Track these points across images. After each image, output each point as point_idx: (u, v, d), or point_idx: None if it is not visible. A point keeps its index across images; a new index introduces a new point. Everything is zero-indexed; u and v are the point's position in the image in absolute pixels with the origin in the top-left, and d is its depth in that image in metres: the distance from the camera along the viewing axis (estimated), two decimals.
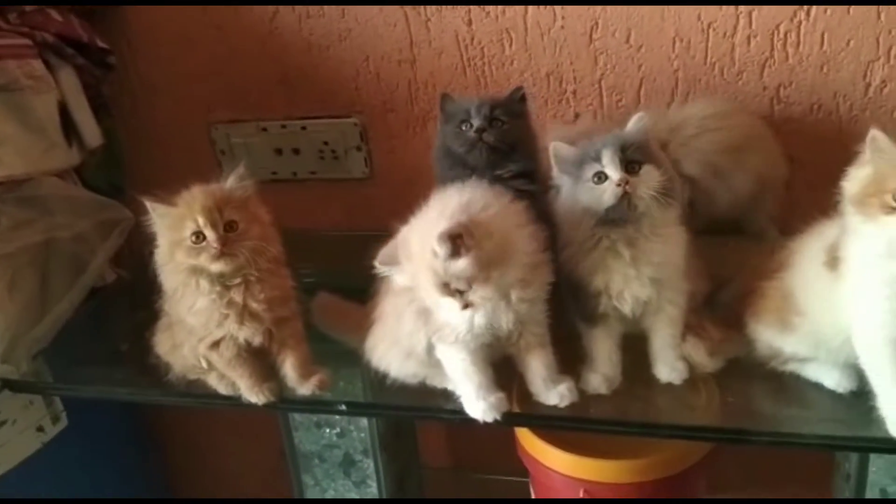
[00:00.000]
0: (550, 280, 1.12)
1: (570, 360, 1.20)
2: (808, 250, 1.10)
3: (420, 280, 1.05)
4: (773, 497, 1.74)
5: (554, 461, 1.44)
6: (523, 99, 1.28)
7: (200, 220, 1.13)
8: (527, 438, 1.49)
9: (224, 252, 1.14)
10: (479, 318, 1.08)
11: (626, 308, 1.15)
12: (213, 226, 1.13)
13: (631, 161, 1.09)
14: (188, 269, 1.15)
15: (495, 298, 1.06)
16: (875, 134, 0.98)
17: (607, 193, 1.08)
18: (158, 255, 1.18)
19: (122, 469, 1.90)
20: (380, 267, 1.08)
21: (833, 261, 1.05)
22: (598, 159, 1.09)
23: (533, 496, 1.57)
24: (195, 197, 1.16)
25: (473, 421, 1.14)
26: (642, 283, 1.13)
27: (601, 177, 1.09)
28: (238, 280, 1.17)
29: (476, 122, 1.22)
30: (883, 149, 0.98)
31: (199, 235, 1.13)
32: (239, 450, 2.11)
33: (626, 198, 1.08)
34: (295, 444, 1.52)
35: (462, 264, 1.00)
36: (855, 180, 1.02)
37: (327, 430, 1.48)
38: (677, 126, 1.33)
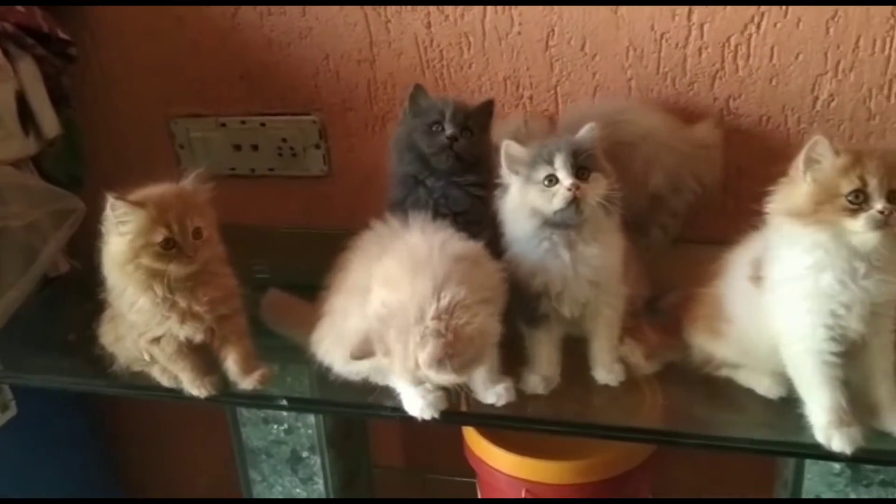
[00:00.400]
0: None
1: (516, 361, 1.22)
2: (737, 262, 1.13)
3: (393, 367, 1.06)
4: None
5: (498, 461, 1.45)
6: (492, 112, 1.31)
7: (175, 228, 1.13)
8: (473, 439, 1.50)
9: (194, 259, 1.15)
10: None
11: (565, 309, 1.17)
12: (185, 234, 1.14)
13: (581, 167, 1.12)
14: (146, 272, 1.15)
15: None
16: (818, 139, 1.01)
17: (558, 197, 1.11)
18: (111, 252, 1.16)
19: (72, 460, 1.89)
20: (354, 358, 1.08)
21: (757, 277, 1.07)
22: (550, 162, 1.12)
23: (479, 496, 1.58)
24: (167, 202, 1.15)
25: (414, 419, 1.14)
26: (580, 285, 1.15)
27: (552, 180, 1.12)
28: (189, 283, 1.17)
29: (449, 129, 1.25)
30: (825, 155, 1.01)
31: (169, 242, 1.13)
32: (190, 444, 2.10)
33: (574, 202, 1.10)
34: (242, 440, 1.53)
35: (447, 376, 1.03)
36: (794, 196, 1.03)
37: (275, 427, 1.49)
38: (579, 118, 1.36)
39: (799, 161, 1.02)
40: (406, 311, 1.03)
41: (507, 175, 1.17)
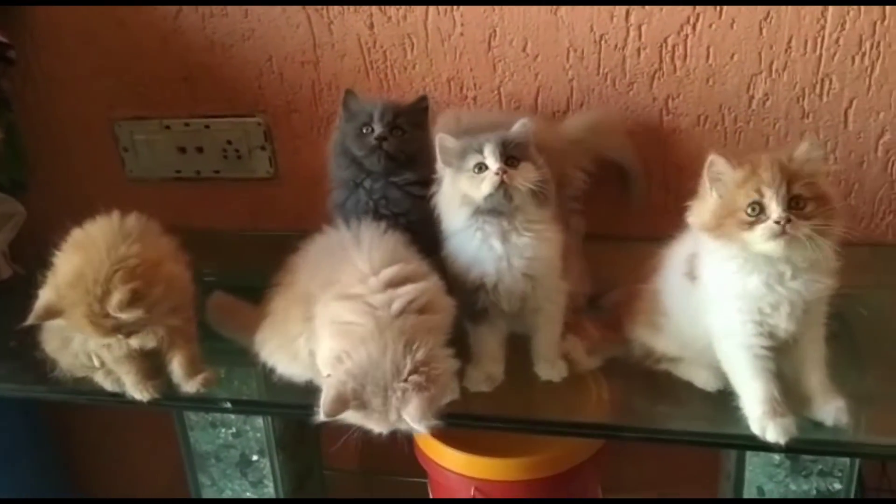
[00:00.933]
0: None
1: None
2: (673, 258, 1.16)
3: (370, 420, 1.08)
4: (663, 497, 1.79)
5: (447, 460, 1.46)
6: (426, 109, 1.31)
7: (124, 316, 1.13)
8: (423, 439, 1.51)
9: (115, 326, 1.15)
10: None
11: (503, 303, 1.18)
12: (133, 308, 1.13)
13: (511, 157, 1.14)
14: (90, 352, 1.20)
15: None
16: (713, 158, 1.04)
17: (486, 182, 1.13)
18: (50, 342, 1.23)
19: (20, 467, 1.86)
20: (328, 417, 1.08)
21: (691, 274, 1.10)
22: (480, 151, 1.14)
23: (431, 496, 1.59)
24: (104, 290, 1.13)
25: None
26: (515, 277, 1.17)
27: (482, 167, 1.14)
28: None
29: (378, 129, 1.25)
30: (723, 171, 1.04)
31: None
32: (140, 450, 2.09)
33: (502, 187, 1.12)
34: (191, 444, 1.51)
35: (430, 423, 1.04)
36: (703, 211, 1.06)
37: (223, 430, 1.48)
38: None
39: (704, 178, 1.05)
40: (380, 368, 1.03)
41: (441, 168, 1.19)
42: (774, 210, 0.99)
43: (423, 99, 1.31)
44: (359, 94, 1.33)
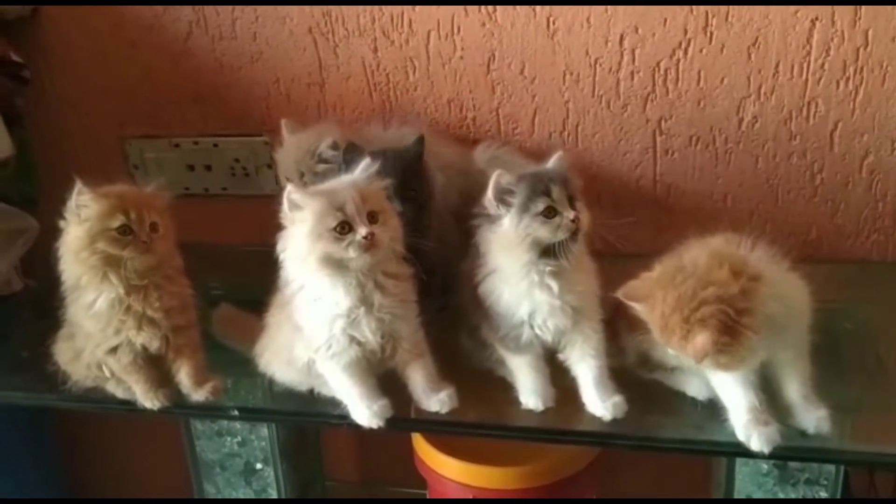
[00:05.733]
0: (414, 299, 1.19)
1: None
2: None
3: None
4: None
5: (446, 469, 1.49)
6: (422, 141, 1.32)
7: (132, 215, 1.18)
8: (423, 448, 1.54)
9: (149, 249, 1.19)
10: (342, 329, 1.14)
11: (548, 337, 1.19)
12: (141, 222, 1.19)
13: (571, 197, 1.14)
14: (102, 259, 1.18)
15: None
16: None
17: (561, 228, 1.12)
18: (67, 241, 1.20)
19: (25, 476, 1.89)
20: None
21: None
22: (548, 194, 1.12)
23: None
24: (126, 193, 1.21)
25: (362, 427, 1.19)
26: (566, 312, 1.17)
27: (552, 211, 1.12)
28: (145, 281, 1.21)
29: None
30: None
31: (126, 229, 1.18)
32: (145, 459, 2.12)
33: (576, 233, 1.13)
34: (197, 453, 1.54)
35: None
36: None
37: (228, 439, 1.51)
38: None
39: None
40: None
41: (493, 205, 1.16)
42: None
43: (421, 140, 1.32)
44: (359, 145, 1.33)
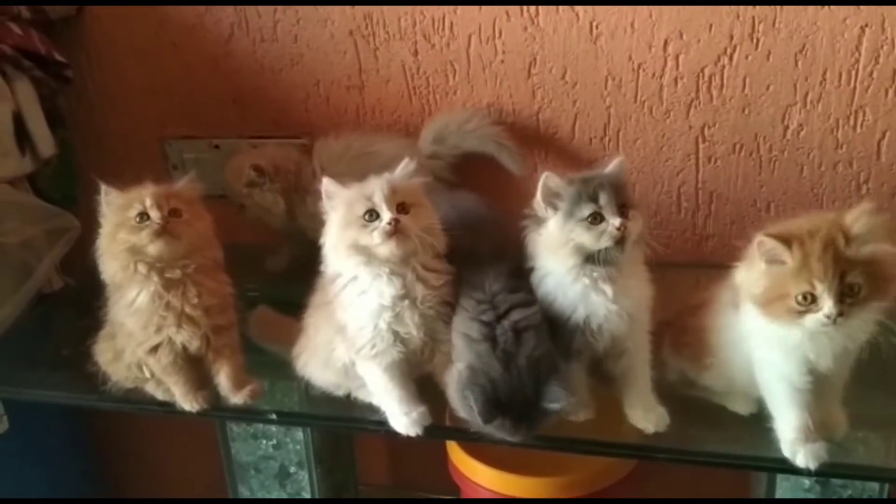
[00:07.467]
0: (452, 302, 1.17)
1: None
2: (721, 296, 1.15)
3: None
4: None
5: (481, 477, 1.49)
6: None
7: (147, 202, 1.19)
8: (457, 456, 1.54)
9: (164, 230, 1.18)
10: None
11: (600, 343, 1.16)
12: (158, 207, 1.19)
13: (622, 204, 1.10)
14: (127, 251, 1.19)
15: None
16: (762, 239, 1.01)
17: (605, 236, 1.09)
18: (101, 239, 1.22)
19: (61, 476, 1.91)
20: None
21: (734, 302, 1.11)
22: (595, 200, 1.10)
23: None
24: (150, 189, 1.22)
25: (399, 434, 1.18)
26: (621, 318, 1.14)
27: (598, 217, 1.10)
28: (176, 273, 1.21)
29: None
30: (784, 255, 1.00)
31: (143, 215, 1.18)
32: (180, 460, 2.13)
33: (622, 241, 1.10)
34: (232, 455, 1.55)
35: None
36: (751, 283, 1.05)
37: (264, 442, 1.51)
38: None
39: (753, 251, 1.03)
40: None
41: (542, 208, 1.14)
42: (826, 304, 0.97)
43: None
44: None
